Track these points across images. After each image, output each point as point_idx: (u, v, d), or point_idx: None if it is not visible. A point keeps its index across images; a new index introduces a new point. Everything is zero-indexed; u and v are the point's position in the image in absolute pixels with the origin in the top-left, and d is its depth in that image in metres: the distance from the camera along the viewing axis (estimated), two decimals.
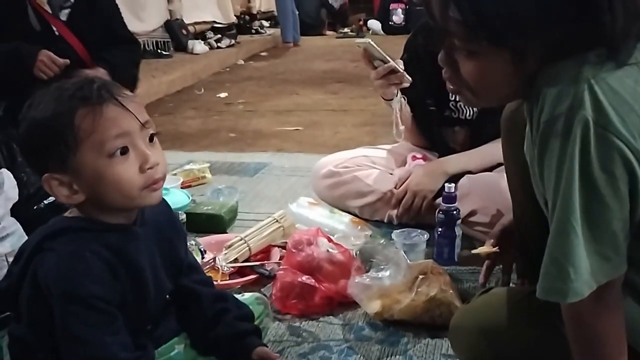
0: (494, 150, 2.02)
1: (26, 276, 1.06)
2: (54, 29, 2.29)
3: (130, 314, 1.08)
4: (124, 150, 1.04)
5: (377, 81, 1.97)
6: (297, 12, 7.88)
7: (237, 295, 1.39)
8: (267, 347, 1.30)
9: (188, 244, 1.79)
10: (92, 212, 1.08)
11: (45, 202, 1.85)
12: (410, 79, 1.93)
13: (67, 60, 2.24)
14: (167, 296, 1.24)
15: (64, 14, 2.28)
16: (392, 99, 2.02)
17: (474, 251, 1.52)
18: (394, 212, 2.13)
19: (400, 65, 1.93)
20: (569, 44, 0.92)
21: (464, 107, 2.08)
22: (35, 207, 1.84)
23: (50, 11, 2.28)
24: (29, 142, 1.06)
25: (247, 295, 1.44)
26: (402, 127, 2.04)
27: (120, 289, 1.06)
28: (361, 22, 9.23)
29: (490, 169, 2.06)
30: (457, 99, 2.05)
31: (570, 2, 0.90)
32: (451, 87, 1.05)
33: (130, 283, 1.08)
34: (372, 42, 1.90)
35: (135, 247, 1.10)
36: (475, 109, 2.06)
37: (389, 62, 1.91)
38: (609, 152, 0.88)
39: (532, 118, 0.96)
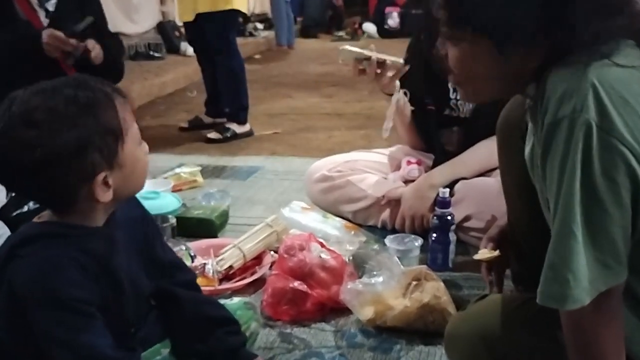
0: (478, 154, 2.02)
1: (1, 286, 1.03)
2: (40, 18, 2.28)
3: (110, 317, 1.06)
4: None
5: (377, 83, 1.95)
6: (292, 15, 7.88)
7: (226, 300, 1.38)
8: (257, 355, 1.29)
9: (178, 248, 1.78)
10: (70, 216, 1.06)
11: (31, 205, 1.82)
12: (402, 61, 1.90)
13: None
14: (152, 300, 1.22)
15: (50, 4, 2.27)
16: (393, 94, 2.00)
17: (475, 257, 1.50)
18: (387, 217, 2.11)
19: (389, 57, 1.90)
20: (552, 45, 0.93)
21: (463, 105, 2.06)
22: (21, 211, 1.82)
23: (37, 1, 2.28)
24: (65, 148, 0.97)
25: (235, 300, 1.42)
26: (391, 125, 2.01)
27: (99, 292, 1.04)
28: (356, 26, 9.22)
29: (485, 173, 2.04)
30: (457, 97, 2.03)
31: (541, 6, 0.91)
32: (451, 79, 1.06)
33: (107, 286, 1.07)
34: (346, 47, 1.89)
35: (110, 250, 1.09)
36: (471, 106, 2.04)
37: (369, 56, 1.89)
38: (612, 157, 0.86)
39: (537, 118, 0.95)
